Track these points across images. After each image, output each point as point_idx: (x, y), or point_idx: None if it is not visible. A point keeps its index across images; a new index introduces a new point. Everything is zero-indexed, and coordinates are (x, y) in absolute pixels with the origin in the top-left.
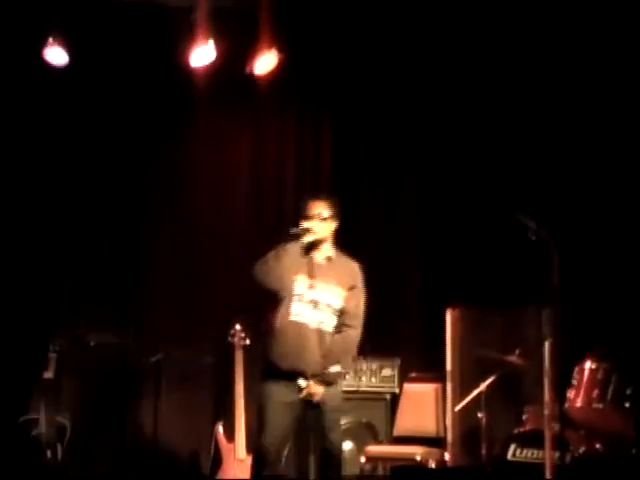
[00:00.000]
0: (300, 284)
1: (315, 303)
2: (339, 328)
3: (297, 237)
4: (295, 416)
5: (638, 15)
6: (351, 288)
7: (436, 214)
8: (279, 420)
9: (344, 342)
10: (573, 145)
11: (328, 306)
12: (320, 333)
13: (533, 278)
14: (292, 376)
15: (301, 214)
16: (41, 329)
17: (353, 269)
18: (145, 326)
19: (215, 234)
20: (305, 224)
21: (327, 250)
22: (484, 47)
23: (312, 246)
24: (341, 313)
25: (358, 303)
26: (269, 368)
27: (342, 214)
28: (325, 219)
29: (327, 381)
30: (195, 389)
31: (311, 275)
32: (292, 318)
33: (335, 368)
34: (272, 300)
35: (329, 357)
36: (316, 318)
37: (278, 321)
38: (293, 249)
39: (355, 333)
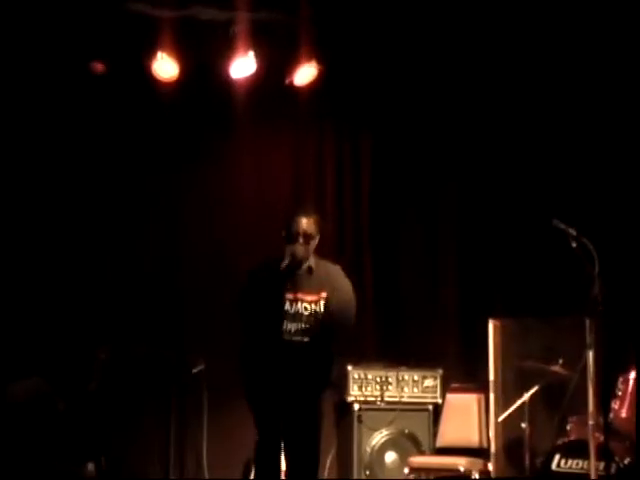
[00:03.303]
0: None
1: (299, 316)
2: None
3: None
4: None
5: None
6: (333, 291)
7: (476, 223)
8: None
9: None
10: (614, 151)
11: (310, 315)
12: (304, 345)
13: (575, 287)
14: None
15: (287, 232)
16: (84, 341)
17: (331, 273)
18: (186, 338)
19: (255, 246)
20: (288, 248)
21: (309, 263)
22: (523, 61)
23: (293, 266)
24: (327, 316)
25: (344, 301)
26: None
27: (381, 227)
28: (310, 238)
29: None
30: (236, 399)
31: (294, 290)
32: (285, 337)
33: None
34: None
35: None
36: (300, 330)
37: (268, 340)
38: (272, 268)
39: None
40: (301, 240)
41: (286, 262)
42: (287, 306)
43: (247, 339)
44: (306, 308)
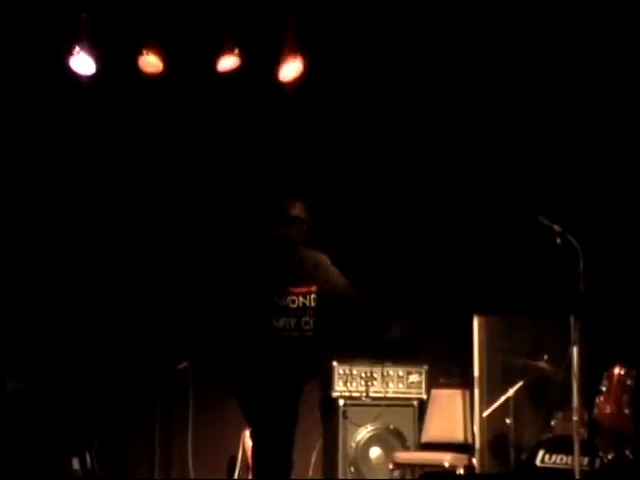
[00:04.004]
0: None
1: (286, 309)
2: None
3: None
4: None
5: None
6: (323, 283)
7: (461, 221)
8: None
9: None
10: (598, 147)
11: (297, 309)
12: (301, 340)
13: (560, 283)
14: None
15: (277, 216)
16: (71, 337)
17: (320, 265)
18: (171, 334)
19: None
20: (280, 230)
21: (299, 252)
22: (505, 63)
23: (286, 251)
24: (321, 310)
25: (343, 285)
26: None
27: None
28: (302, 223)
29: None
30: (222, 396)
31: (283, 282)
32: (273, 331)
33: None
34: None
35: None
36: (288, 324)
37: (259, 335)
38: (266, 257)
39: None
40: (294, 223)
41: (282, 245)
42: (275, 298)
43: (232, 330)
44: (293, 301)
